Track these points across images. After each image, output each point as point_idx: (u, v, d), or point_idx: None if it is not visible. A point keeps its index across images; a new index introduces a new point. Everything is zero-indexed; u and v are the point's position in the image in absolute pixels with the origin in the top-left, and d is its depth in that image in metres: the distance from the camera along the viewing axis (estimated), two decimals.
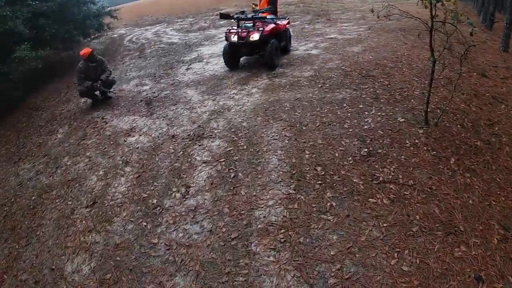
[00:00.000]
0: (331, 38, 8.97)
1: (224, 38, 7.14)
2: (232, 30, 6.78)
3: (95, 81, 6.54)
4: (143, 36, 13.46)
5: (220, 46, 9.24)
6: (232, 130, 4.96)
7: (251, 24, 6.80)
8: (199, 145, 4.75)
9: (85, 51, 6.51)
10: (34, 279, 3.58)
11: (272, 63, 6.72)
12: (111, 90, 6.94)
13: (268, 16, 7.08)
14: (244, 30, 6.63)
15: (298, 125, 4.84)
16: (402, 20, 10.93)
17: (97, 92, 6.76)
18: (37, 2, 8.63)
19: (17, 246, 4.08)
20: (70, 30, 9.71)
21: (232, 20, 7.18)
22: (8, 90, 7.57)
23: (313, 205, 3.53)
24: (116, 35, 15.54)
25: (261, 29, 6.55)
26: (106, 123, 6.05)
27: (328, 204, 3.52)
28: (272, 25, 6.83)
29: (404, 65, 6.58)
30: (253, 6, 7.88)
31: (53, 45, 9.81)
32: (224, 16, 7.00)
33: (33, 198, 4.77)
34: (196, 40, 10.77)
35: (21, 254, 3.95)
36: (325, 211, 3.45)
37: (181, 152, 4.69)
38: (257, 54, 6.83)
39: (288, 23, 7.90)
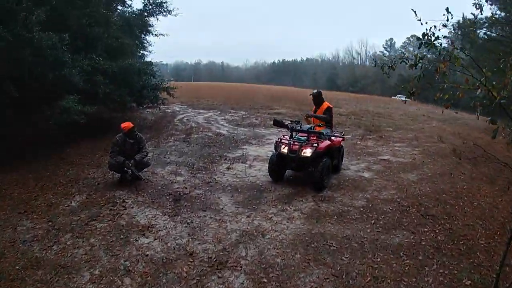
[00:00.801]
0: (384, 159, 8.49)
1: (273, 145, 6.66)
2: (283, 140, 6.31)
3: (129, 158, 6.13)
4: (194, 119, 13.69)
5: (266, 149, 8.90)
6: (263, 265, 4.06)
7: (305, 137, 6.32)
8: (219, 277, 3.85)
9: (126, 124, 6.24)
10: None
11: (322, 184, 6.03)
12: (141, 172, 6.49)
13: (324, 130, 6.58)
14: (296, 143, 6.14)
15: (344, 277, 3.88)
16: (455, 143, 10.23)
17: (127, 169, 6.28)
18: (101, 59, 8.93)
19: None
20: (124, 94, 9.91)
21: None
22: (48, 134, 7.35)
23: None
24: (169, 111, 16.11)
25: (315, 145, 6.02)
26: (125, 209, 5.42)
27: None
28: (327, 142, 6.30)
29: (465, 202, 5.99)
30: (306, 118, 7.50)
31: (106, 104, 9.97)
32: (278, 123, 6.62)
33: (17, 267, 3.99)
34: (244, 137, 10.60)
35: None
36: None
37: (195, 281, 3.78)
38: (306, 170, 6.18)
39: (343, 139, 7.38)
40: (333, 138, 6.77)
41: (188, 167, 7.32)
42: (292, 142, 6.17)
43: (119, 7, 12.65)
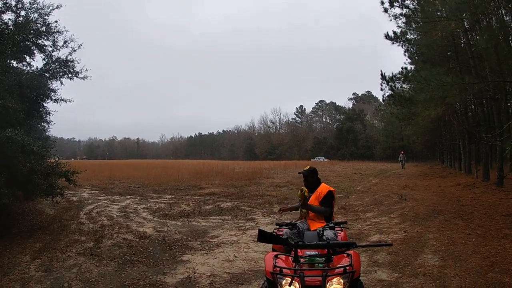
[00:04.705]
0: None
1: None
2: (284, 268, 3.29)
3: None
4: (107, 212, 10.29)
5: (220, 258, 6.03)
6: None
7: (323, 257, 3.40)
8: None
9: None
10: None
11: None
12: None
13: (327, 233, 3.93)
14: (313, 272, 3.18)
15: None
16: (416, 197, 8.54)
17: None
18: None
19: None
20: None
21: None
22: None
23: None
24: (75, 198, 12.67)
25: (347, 266, 3.14)
26: None
27: None
28: (355, 254, 3.39)
29: None
30: (300, 194, 4.57)
31: None
32: (267, 238, 3.39)
33: None
34: (179, 237, 7.60)
35: None
36: None
37: None
38: None
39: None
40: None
41: None
42: (303, 273, 3.13)
43: (14, 62, 9.35)
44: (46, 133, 11.22)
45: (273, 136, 77.70)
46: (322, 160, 56.12)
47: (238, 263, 5.69)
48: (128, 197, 13.36)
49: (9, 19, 8.88)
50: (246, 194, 12.96)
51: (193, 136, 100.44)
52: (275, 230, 3.92)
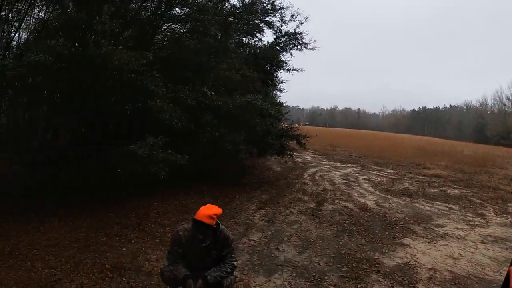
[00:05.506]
0: None
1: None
2: None
3: (200, 269, 3.05)
4: (329, 177, 10.41)
5: (443, 252, 5.03)
6: None
7: None
8: None
9: (206, 211, 2.97)
10: None
11: None
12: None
13: None
14: None
15: None
16: None
17: None
18: (212, 93, 6.81)
19: None
20: (238, 141, 7.39)
21: None
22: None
23: None
24: (300, 160, 13.50)
25: None
26: None
27: None
28: None
29: None
30: None
31: (209, 152, 7.48)
32: None
33: None
34: (401, 217, 6.69)
35: None
36: None
37: None
38: None
39: None
40: None
41: (309, 285, 3.85)
42: None
43: (244, 39, 10.77)
44: (279, 100, 12.26)
45: (509, 117, 58.91)
46: None
47: (462, 263, 4.68)
48: (350, 165, 13.22)
49: (237, 1, 9.72)
50: (476, 184, 10.37)
51: (416, 109, 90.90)
52: None
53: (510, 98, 64.03)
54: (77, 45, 5.16)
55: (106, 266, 3.92)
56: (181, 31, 7.61)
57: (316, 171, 11.42)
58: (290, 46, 11.42)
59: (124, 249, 4.43)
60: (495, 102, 67.78)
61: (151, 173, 5.08)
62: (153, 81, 5.20)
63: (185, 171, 6.34)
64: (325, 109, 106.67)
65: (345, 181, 9.98)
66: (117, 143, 5.22)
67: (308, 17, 10.93)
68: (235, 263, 3.13)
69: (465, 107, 78.81)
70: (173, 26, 7.34)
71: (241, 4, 9.36)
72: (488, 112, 67.42)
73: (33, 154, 6.88)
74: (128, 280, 3.65)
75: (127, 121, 5.93)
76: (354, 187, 9.15)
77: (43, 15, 6.73)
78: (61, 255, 4.11)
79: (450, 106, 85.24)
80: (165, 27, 7.37)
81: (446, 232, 5.88)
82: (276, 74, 11.98)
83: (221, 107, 6.97)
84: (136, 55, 4.74)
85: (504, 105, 64.73)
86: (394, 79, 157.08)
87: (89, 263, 3.97)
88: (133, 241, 4.69)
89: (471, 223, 6.51)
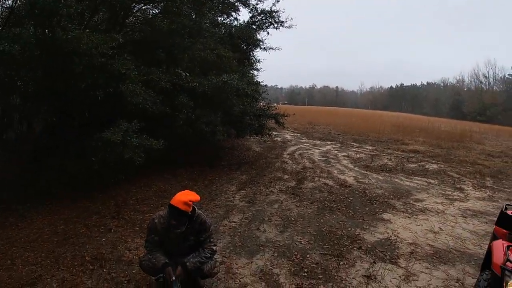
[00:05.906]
0: None
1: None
2: None
3: (178, 257, 3.05)
4: (308, 155, 10.51)
5: (424, 226, 5.24)
6: None
7: None
8: None
9: (182, 197, 2.93)
10: None
11: None
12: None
13: None
14: None
15: None
16: None
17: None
18: (187, 74, 6.66)
19: None
20: (216, 122, 7.31)
21: None
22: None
23: None
24: (279, 139, 13.54)
25: None
26: None
27: None
28: None
29: None
30: None
31: (184, 135, 7.25)
32: None
33: None
34: (381, 192, 6.86)
35: None
36: None
37: None
38: None
39: None
40: None
41: (291, 264, 3.92)
42: None
43: (219, 18, 10.51)
44: (256, 80, 12.15)
45: (485, 94, 61.20)
46: None
47: (443, 237, 4.83)
48: (329, 143, 13.37)
49: None
50: (454, 159, 10.77)
51: (394, 86, 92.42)
52: None
53: (487, 75, 65.78)
54: (46, 31, 4.87)
55: (86, 258, 3.84)
56: (154, 11, 7.32)
57: (296, 149, 11.49)
58: (267, 24, 11.33)
59: (103, 239, 4.34)
60: (472, 80, 69.42)
61: (126, 159, 4.94)
62: (124, 64, 4.99)
63: (162, 156, 6.22)
64: (304, 87, 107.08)
65: (324, 158, 10.10)
66: (90, 131, 5.03)
67: None
68: (214, 247, 3.13)
69: (442, 84, 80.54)
70: (145, 7, 7.03)
71: None
72: (465, 89, 68.96)
73: (9, 147, 6.59)
74: (109, 271, 3.60)
75: (100, 107, 5.69)
76: (334, 164, 9.29)
77: (10, 3, 6.31)
78: (41, 251, 3.99)
79: (427, 83, 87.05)
80: (137, 9, 7.06)
81: (425, 206, 6.07)
82: (253, 53, 11.87)
83: (197, 88, 6.84)
84: (104, 38, 4.51)
85: (481, 82, 66.46)
86: (372, 55, 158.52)
87: (69, 256, 3.87)
88: (112, 230, 4.60)
89: (450, 197, 6.75)
